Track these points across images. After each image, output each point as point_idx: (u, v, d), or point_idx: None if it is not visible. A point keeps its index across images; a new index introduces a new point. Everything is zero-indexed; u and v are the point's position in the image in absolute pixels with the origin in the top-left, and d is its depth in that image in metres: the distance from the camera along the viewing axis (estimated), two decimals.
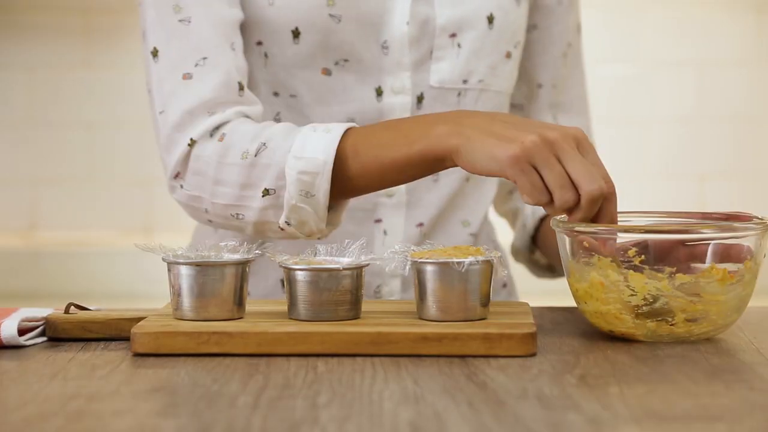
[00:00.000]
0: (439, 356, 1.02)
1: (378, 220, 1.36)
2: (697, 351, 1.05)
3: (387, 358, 1.02)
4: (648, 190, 2.81)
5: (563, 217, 1.13)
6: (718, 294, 1.06)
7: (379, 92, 1.34)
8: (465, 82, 1.36)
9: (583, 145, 1.09)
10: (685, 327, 1.07)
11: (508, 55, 1.38)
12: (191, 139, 1.25)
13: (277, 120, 1.35)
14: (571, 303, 1.17)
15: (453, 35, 1.35)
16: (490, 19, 1.35)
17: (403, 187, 1.36)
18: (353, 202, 1.32)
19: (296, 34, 1.31)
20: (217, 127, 1.25)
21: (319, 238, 1.26)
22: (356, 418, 0.82)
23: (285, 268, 1.09)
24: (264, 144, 1.22)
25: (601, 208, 1.08)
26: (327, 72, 1.33)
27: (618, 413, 0.84)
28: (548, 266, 1.46)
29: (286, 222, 1.22)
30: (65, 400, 0.88)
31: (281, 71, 1.33)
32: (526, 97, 1.47)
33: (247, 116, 1.28)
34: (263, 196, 1.22)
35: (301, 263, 1.09)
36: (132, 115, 2.71)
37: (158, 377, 0.96)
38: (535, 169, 1.07)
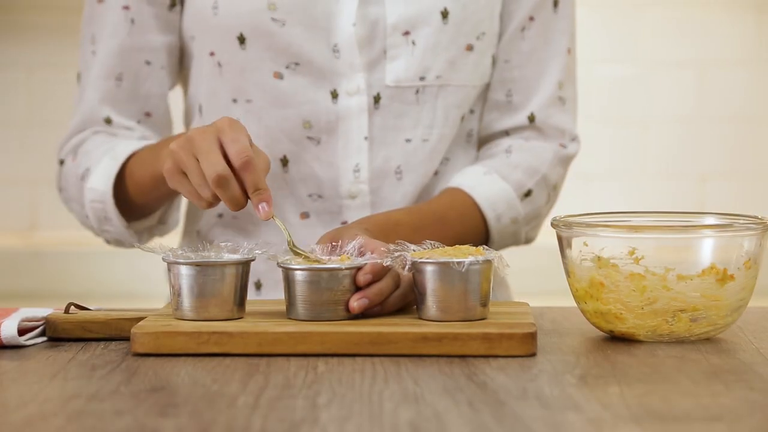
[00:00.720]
0: (439, 356, 1.02)
1: (344, 222, 1.36)
2: (697, 351, 1.05)
3: (387, 358, 1.02)
4: (648, 190, 2.81)
5: (563, 216, 1.13)
6: (717, 294, 1.06)
7: (334, 95, 1.35)
8: (422, 79, 1.36)
9: (223, 131, 1.11)
10: (685, 327, 1.07)
11: (469, 48, 1.37)
12: (60, 159, 1.42)
13: None
14: (571, 303, 1.17)
15: (406, 33, 1.35)
16: (444, 14, 1.35)
17: (366, 187, 1.36)
18: (319, 206, 1.37)
19: (242, 40, 1.34)
20: (76, 146, 1.41)
21: (161, 235, 1.43)
22: (356, 419, 0.82)
23: (284, 268, 1.09)
24: (88, 169, 1.37)
25: (242, 181, 1.10)
26: (279, 76, 1.34)
27: (618, 413, 0.84)
28: None
29: (107, 240, 1.39)
30: (65, 400, 0.88)
31: (235, 78, 1.36)
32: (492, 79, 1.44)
33: (110, 133, 1.40)
34: (87, 217, 1.38)
35: (302, 263, 1.09)
36: None
37: (158, 377, 0.96)
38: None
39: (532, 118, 1.42)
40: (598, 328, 1.11)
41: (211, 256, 1.09)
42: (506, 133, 1.43)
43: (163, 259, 1.10)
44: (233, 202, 1.10)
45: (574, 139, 1.44)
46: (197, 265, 1.08)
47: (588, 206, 2.48)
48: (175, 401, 0.88)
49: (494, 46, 1.41)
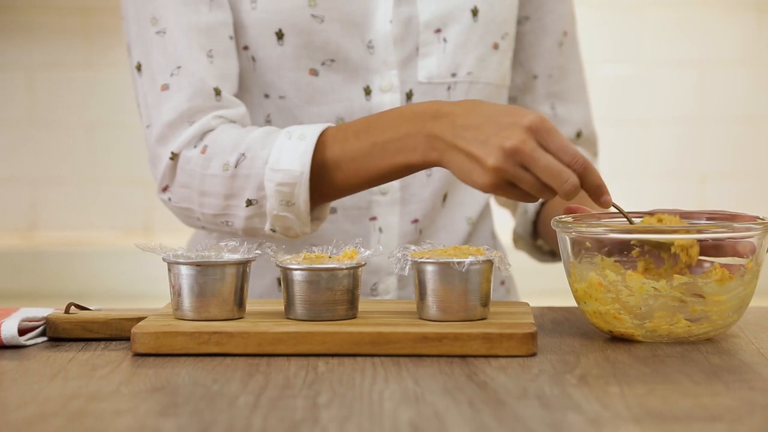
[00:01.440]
0: (439, 356, 1.02)
1: (373, 218, 1.37)
2: (697, 351, 1.05)
3: (387, 358, 1.02)
4: (649, 190, 2.81)
5: (564, 216, 1.13)
6: (717, 294, 1.06)
7: (367, 91, 1.35)
8: (453, 75, 1.37)
9: (541, 134, 1.10)
10: (685, 327, 1.07)
11: (496, 47, 1.39)
12: (172, 153, 1.27)
13: (268, 122, 1.36)
14: (570, 303, 1.17)
15: (438, 30, 1.35)
16: (474, 12, 1.36)
17: (396, 183, 1.36)
18: (347, 201, 1.35)
19: (280, 35, 1.32)
20: (201, 137, 1.27)
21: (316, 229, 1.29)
22: (356, 418, 0.82)
23: (282, 268, 1.09)
24: (243, 155, 1.24)
25: (584, 183, 1.10)
26: (314, 72, 1.34)
27: (618, 413, 0.84)
28: (551, 252, 1.47)
29: (271, 229, 1.25)
30: (65, 400, 0.88)
31: (269, 73, 1.34)
32: (520, 89, 1.48)
33: (230, 119, 1.30)
34: (247, 206, 1.25)
35: (301, 263, 1.09)
36: (132, 116, 2.70)
37: (158, 377, 0.96)
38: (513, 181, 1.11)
39: (579, 134, 1.50)
40: (597, 328, 1.11)
41: (211, 256, 1.09)
42: None
43: (163, 258, 1.10)
44: (568, 197, 1.10)
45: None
46: (197, 265, 1.08)
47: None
48: (176, 401, 0.88)
49: (512, 49, 1.43)
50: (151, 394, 0.90)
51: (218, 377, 0.95)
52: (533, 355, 1.03)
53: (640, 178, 2.80)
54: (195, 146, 1.27)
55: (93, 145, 2.75)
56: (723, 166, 2.82)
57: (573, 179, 1.09)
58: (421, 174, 1.37)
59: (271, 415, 0.83)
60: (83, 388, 0.91)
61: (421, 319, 1.08)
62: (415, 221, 1.38)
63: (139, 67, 1.31)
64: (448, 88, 1.37)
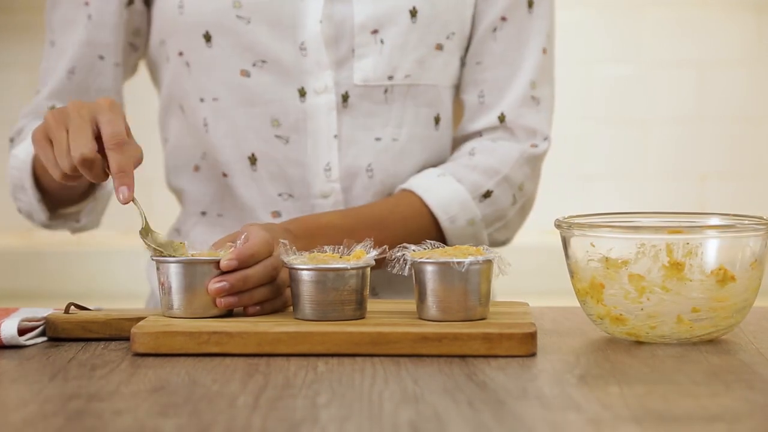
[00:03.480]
0: (439, 356, 1.02)
1: None
2: (697, 351, 1.05)
3: (387, 358, 1.02)
4: (648, 190, 2.81)
5: (568, 217, 1.13)
6: (719, 295, 1.06)
7: (302, 93, 1.35)
8: (390, 78, 1.36)
9: (101, 111, 1.12)
10: (687, 328, 1.07)
11: (439, 47, 1.37)
12: (10, 139, 1.42)
13: (206, 125, 1.37)
14: (570, 303, 1.17)
15: (375, 32, 1.35)
16: (413, 13, 1.35)
17: (337, 186, 1.36)
18: (291, 208, 1.36)
19: (208, 38, 1.35)
20: (22, 130, 1.40)
21: (77, 230, 1.43)
22: (356, 418, 0.82)
23: (291, 268, 1.09)
24: (12, 140, 1.40)
25: (108, 159, 1.10)
26: (246, 73, 1.34)
27: (618, 413, 0.84)
28: None
29: (18, 209, 1.39)
30: (65, 400, 0.88)
31: (202, 76, 1.37)
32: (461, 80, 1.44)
33: None
34: (10, 183, 1.38)
35: (308, 263, 1.08)
36: (132, 116, 2.71)
37: (158, 377, 0.96)
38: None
39: (502, 118, 1.40)
40: (598, 327, 1.11)
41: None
42: (479, 134, 1.41)
43: (151, 258, 1.11)
44: (95, 179, 1.11)
45: (546, 138, 1.42)
46: (185, 263, 1.09)
47: (588, 206, 2.49)
48: (175, 401, 0.88)
49: (463, 48, 1.40)
50: (150, 394, 0.90)
51: (218, 377, 0.95)
52: (533, 355, 1.03)
53: (639, 178, 2.80)
54: (19, 134, 1.41)
55: None
56: (722, 166, 2.82)
57: (66, 165, 1.10)
58: (362, 176, 1.36)
59: (270, 415, 0.83)
60: (83, 388, 0.91)
61: (420, 319, 1.08)
62: None
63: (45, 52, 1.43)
64: (385, 90, 1.36)
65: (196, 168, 1.40)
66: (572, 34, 2.64)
